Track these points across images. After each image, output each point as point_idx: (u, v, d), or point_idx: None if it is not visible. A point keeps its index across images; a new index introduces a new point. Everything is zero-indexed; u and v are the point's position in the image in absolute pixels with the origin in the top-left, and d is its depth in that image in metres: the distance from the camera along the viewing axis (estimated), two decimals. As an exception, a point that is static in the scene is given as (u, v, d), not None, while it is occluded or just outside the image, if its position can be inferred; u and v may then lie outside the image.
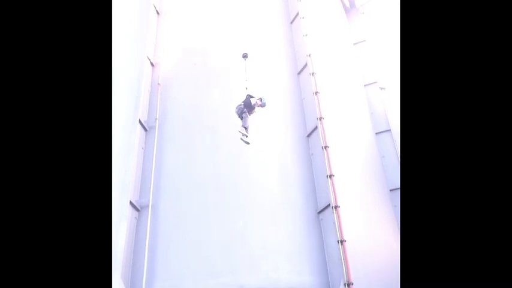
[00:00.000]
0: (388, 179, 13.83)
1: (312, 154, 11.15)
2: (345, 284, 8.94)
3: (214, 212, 9.60)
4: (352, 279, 9.02)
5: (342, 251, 9.35)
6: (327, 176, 10.32)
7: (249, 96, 9.57)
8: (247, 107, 9.37)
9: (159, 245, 9.37)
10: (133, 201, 9.73)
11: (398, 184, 14.50)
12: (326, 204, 10.05)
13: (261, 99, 9.47)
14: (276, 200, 8.07)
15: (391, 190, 13.88)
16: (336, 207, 9.88)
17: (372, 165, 12.73)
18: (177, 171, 10.39)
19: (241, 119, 9.42)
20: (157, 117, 11.36)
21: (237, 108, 9.49)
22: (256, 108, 9.47)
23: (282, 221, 8.96)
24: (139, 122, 10.97)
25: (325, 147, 10.83)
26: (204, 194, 9.86)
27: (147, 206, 9.89)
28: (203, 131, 10.94)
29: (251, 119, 9.70)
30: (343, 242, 9.45)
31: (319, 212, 10.20)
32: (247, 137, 9.16)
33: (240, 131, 9.16)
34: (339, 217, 9.76)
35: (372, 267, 10.11)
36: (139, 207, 9.92)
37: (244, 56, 10.22)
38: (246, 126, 9.20)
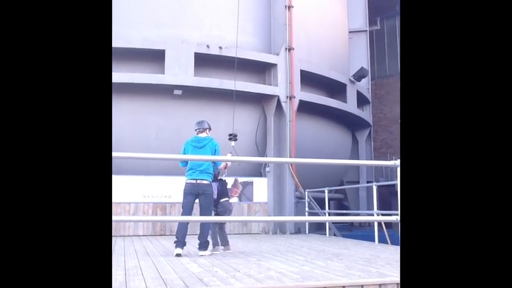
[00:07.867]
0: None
1: None
2: (286, 49, 9.20)
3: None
4: (294, 45, 9.28)
5: (288, 17, 9.35)
6: None
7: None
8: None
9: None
10: None
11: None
12: (279, -34, 9.60)
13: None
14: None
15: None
16: (289, -30, 9.49)
17: None
18: None
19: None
20: None
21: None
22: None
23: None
24: None
25: None
26: None
27: None
28: None
29: None
30: (291, 8, 9.38)
31: (271, -25, 9.80)
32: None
33: None
34: (290, -19, 9.47)
35: (315, 36, 10.34)
36: None
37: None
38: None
